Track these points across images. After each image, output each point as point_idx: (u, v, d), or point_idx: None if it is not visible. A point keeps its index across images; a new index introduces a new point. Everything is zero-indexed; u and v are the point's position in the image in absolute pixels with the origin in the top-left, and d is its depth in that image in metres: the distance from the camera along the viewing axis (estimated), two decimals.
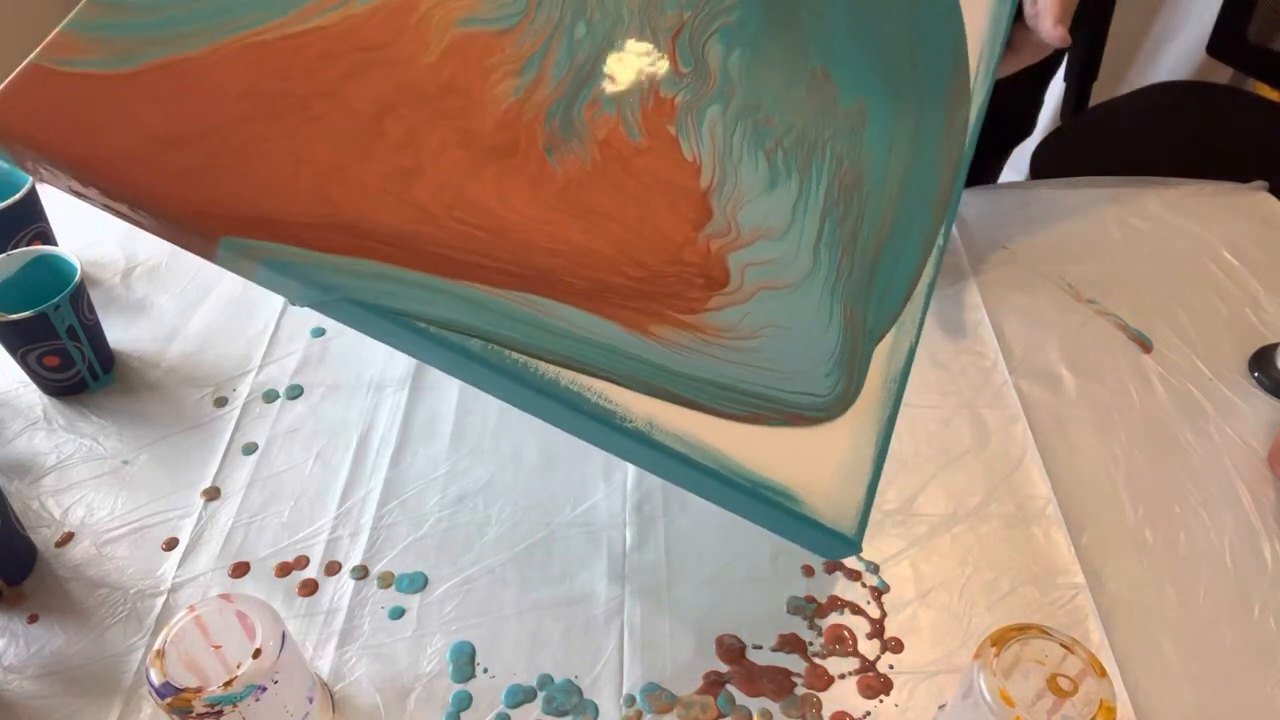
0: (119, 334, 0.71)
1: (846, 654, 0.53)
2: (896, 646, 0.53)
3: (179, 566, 0.57)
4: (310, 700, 0.47)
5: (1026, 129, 1.13)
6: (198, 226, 0.41)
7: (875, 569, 0.57)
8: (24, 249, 0.65)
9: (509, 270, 0.44)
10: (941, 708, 0.50)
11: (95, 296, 0.70)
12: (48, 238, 0.74)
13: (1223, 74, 1.41)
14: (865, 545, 0.57)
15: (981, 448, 0.63)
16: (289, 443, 0.64)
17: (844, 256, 0.49)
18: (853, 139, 0.52)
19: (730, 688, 0.51)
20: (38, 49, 0.41)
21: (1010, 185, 0.89)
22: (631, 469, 0.62)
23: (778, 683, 0.52)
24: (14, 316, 0.61)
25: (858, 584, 0.56)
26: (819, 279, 0.48)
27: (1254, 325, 0.71)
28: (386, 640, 0.53)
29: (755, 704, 0.51)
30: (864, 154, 0.52)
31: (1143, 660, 0.52)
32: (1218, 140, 1.15)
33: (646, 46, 0.50)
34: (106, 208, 0.41)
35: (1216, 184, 0.84)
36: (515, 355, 0.43)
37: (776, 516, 0.45)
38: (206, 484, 0.61)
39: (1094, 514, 0.59)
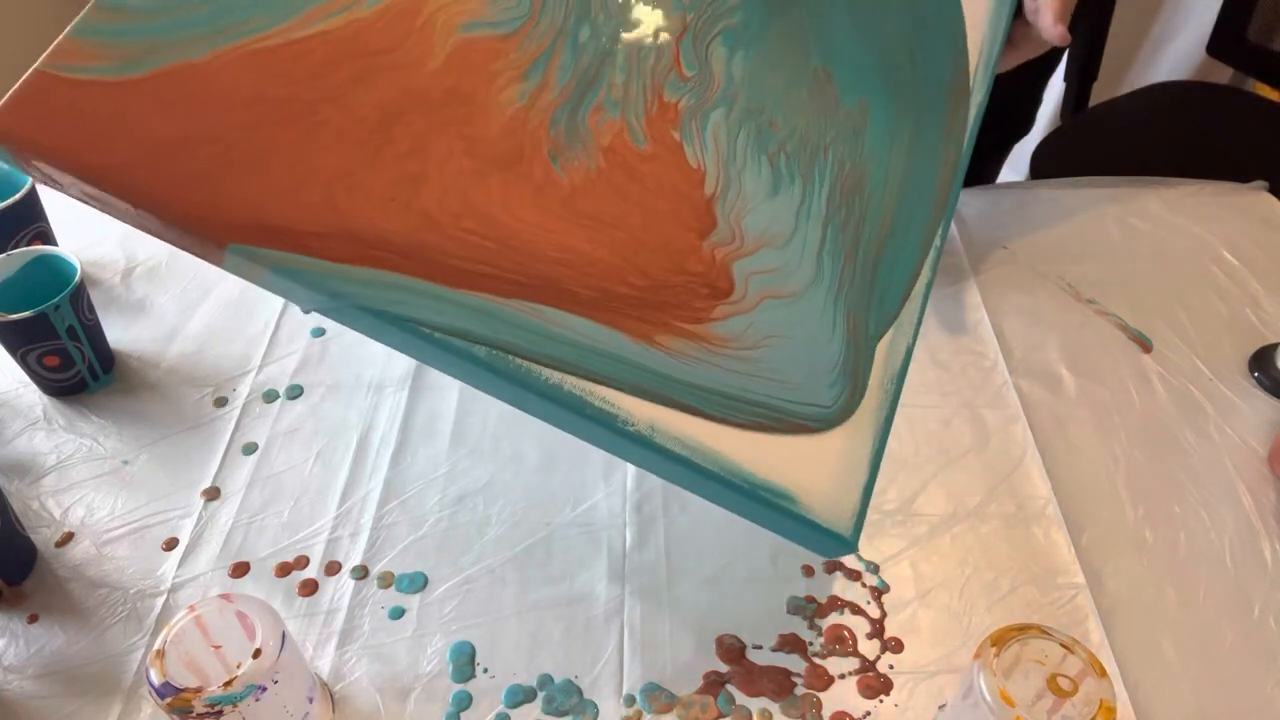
0: (119, 334, 0.71)
1: (846, 654, 0.53)
2: (896, 646, 0.53)
3: (179, 566, 0.57)
4: (310, 700, 0.47)
5: (1025, 126, 1.13)
6: (205, 234, 0.41)
7: (875, 569, 0.57)
8: (24, 249, 0.65)
9: (515, 279, 0.44)
10: (941, 708, 0.50)
11: (95, 296, 0.70)
12: (48, 238, 0.74)
13: (1223, 74, 1.41)
14: (865, 545, 0.57)
15: (981, 448, 0.63)
16: (289, 443, 0.64)
17: (846, 263, 0.49)
18: (854, 140, 0.52)
19: (730, 688, 0.51)
20: (43, 55, 0.41)
21: (1010, 185, 0.89)
22: (631, 469, 0.62)
23: (778, 683, 0.52)
24: (14, 316, 0.61)
25: (858, 584, 0.56)
26: (822, 287, 0.48)
27: (1254, 325, 0.71)
28: (386, 640, 0.53)
29: (755, 704, 0.51)
30: (865, 155, 0.52)
31: (1143, 660, 0.52)
32: (1218, 140, 1.15)
33: (650, 49, 0.50)
34: (114, 213, 0.41)
35: (1216, 184, 0.84)
36: (519, 361, 0.43)
37: (774, 517, 0.46)
38: (206, 484, 0.61)
39: (1094, 514, 0.59)
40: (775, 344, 0.47)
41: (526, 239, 0.44)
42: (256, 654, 0.42)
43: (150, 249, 0.78)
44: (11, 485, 0.61)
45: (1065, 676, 0.42)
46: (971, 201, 0.82)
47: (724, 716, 0.50)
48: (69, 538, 0.59)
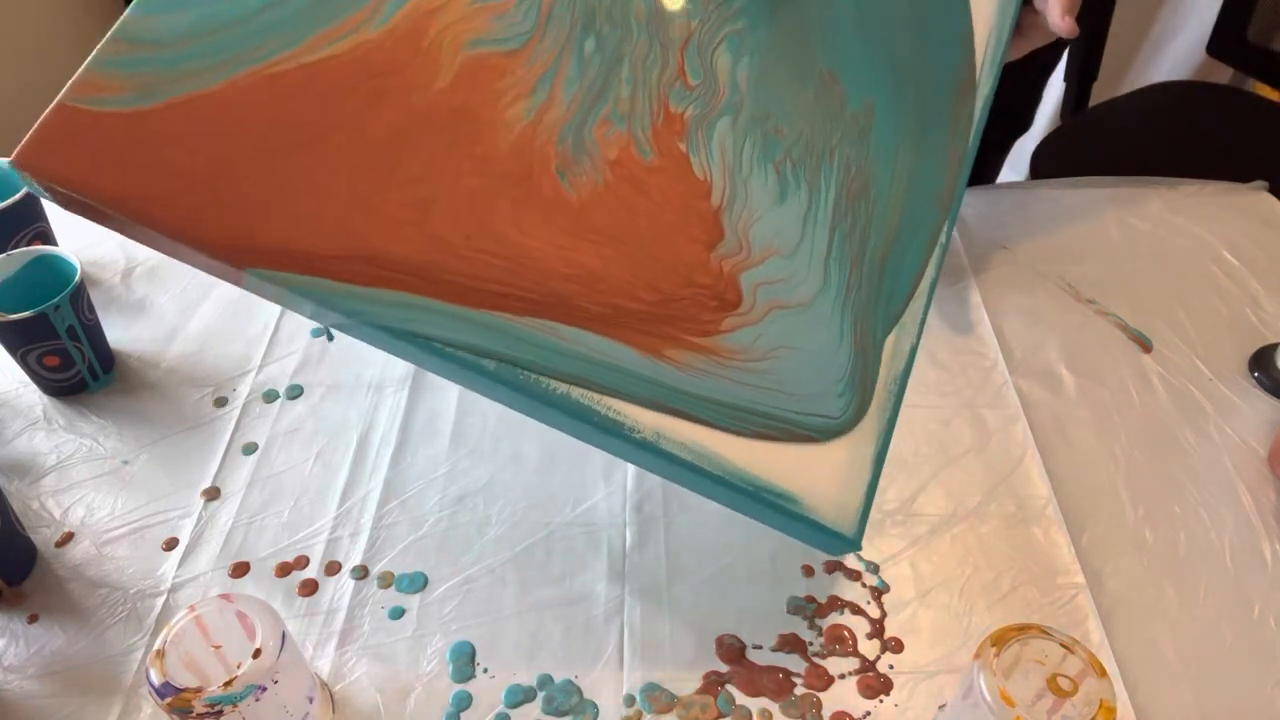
0: (119, 334, 0.71)
1: (846, 654, 0.53)
2: (896, 646, 0.53)
3: (179, 566, 0.57)
4: (310, 700, 0.47)
5: (1024, 125, 1.13)
6: (225, 259, 0.42)
7: (875, 569, 0.57)
8: (24, 249, 0.65)
9: (527, 297, 0.44)
10: (941, 708, 0.50)
11: (95, 296, 0.70)
12: (48, 238, 0.74)
13: (1223, 74, 1.41)
14: (865, 545, 0.58)
15: (981, 448, 0.63)
16: (289, 443, 0.64)
17: (853, 270, 0.49)
18: (860, 143, 0.52)
19: (730, 688, 0.51)
20: (65, 89, 0.42)
21: (1010, 185, 0.89)
22: (632, 469, 0.62)
23: (778, 683, 0.52)
24: (14, 316, 0.61)
25: (858, 584, 0.56)
26: (830, 296, 0.49)
27: (1254, 325, 0.71)
28: (386, 640, 0.53)
29: (755, 704, 0.51)
30: (871, 158, 0.52)
31: (1143, 660, 0.52)
32: (1218, 140, 1.15)
33: (655, 59, 0.50)
34: (135, 238, 0.43)
35: (1216, 184, 0.84)
36: (528, 374, 0.44)
37: (778, 517, 0.46)
38: (206, 484, 0.61)
39: (1094, 514, 0.59)
40: (784, 355, 0.47)
41: (537, 256, 0.45)
42: (256, 654, 0.42)
43: (151, 249, 0.78)
44: (11, 485, 0.61)
45: (1065, 676, 0.42)
46: (971, 201, 0.82)
47: (724, 716, 0.50)
48: (69, 538, 0.59)
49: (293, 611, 0.55)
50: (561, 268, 0.45)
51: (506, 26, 0.48)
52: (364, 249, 0.43)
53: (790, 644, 0.53)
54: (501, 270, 0.44)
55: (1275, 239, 0.78)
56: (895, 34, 0.55)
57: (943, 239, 0.52)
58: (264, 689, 0.42)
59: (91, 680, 0.52)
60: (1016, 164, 1.29)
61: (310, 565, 0.57)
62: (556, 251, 0.45)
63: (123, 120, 0.42)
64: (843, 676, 0.52)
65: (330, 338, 0.71)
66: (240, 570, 0.57)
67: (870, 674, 0.52)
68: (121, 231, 0.43)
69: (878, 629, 0.54)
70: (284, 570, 0.57)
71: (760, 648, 0.53)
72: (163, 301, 0.74)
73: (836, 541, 0.46)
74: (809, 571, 0.56)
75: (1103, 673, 0.42)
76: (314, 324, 0.72)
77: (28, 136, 0.41)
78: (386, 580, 0.56)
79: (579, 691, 0.51)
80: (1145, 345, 0.70)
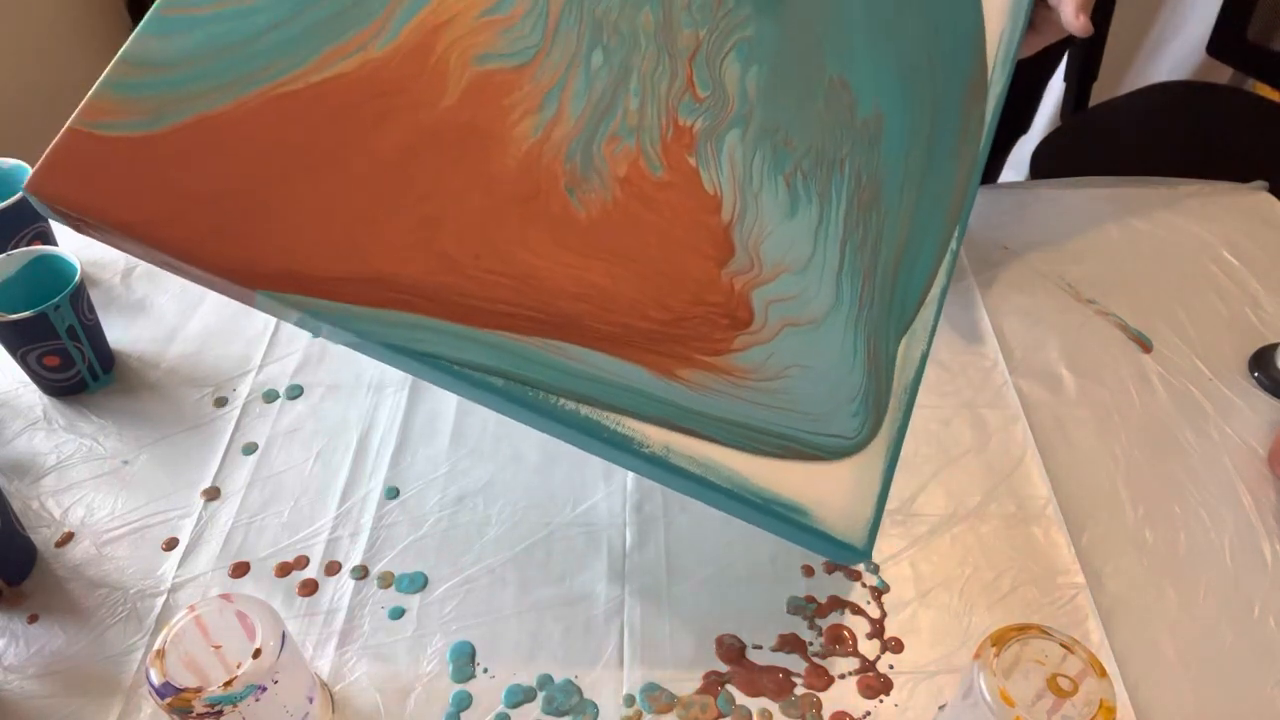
0: (119, 334, 0.71)
1: (846, 654, 0.53)
2: (896, 646, 0.53)
3: (179, 566, 0.57)
4: (310, 700, 0.47)
5: (1024, 125, 1.13)
6: (235, 281, 0.42)
7: (875, 569, 0.57)
8: (24, 249, 0.65)
9: (536, 317, 0.44)
10: (941, 708, 0.50)
11: (95, 296, 0.70)
12: (48, 238, 0.74)
13: (1223, 74, 1.41)
14: None
15: (981, 448, 0.63)
16: (289, 443, 0.64)
17: (865, 283, 0.49)
18: (870, 151, 0.51)
19: (730, 688, 0.51)
20: (75, 113, 0.42)
21: (1010, 185, 0.89)
22: None
23: (778, 683, 0.52)
24: (14, 316, 0.61)
25: (858, 584, 0.56)
26: (842, 312, 0.48)
27: (1254, 325, 0.71)
28: (386, 640, 0.53)
29: (755, 704, 0.51)
30: (881, 166, 0.51)
31: (1143, 660, 0.52)
32: (1218, 140, 1.15)
33: (664, 71, 0.49)
34: (147, 260, 0.43)
35: (1216, 184, 0.84)
36: (537, 391, 0.44)
37: (787, 528, 0.46)
38: (206, 484, 0.61)
39: (1094, 514, 0.59)
40: (797, 374, 0.47)
41: (546, 276, 0.45)
42: (256, 654, 0.42)
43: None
44: (11, 485, 0.61)
45: (1065, 676, 0.42)
46: None
47: (724, 716, 0.50)
48: (69, 538, 0.59)
49: (293, 611, 0.55)
50: (570, 287, 0.45)
51: (514, 40, 0.48)
52: (372, 271, 0.43)
53: (790, 644, 0.53)
54: (510, 290, 0.44)
55: (1275, 239, 0.78)
56: (905, 36, 0.54)
57: (953, 245, 0.51)
58: (264, 689, 0.42)
59: (91, 680, 0.52)
60: (1016, 164, 1.30)
61: (310, 565, 0.57)
62: (565, 270, 0.45)
63: (131, 145, 0.42)
64: (843, 676, 0.52)
65: None
66: (240, 570, 0.57)
67: (870, 674, 0.52)
68: (132, 253, 0.43)
69: (878, 629, 0.54)
70: (284, 570, 0.57)
71: (760, 648, 0.53)
72: (163, 301, 0.74)
73: (846, 552, 0.46)
74: (809, 571, 0.56)
75: (1103, 673, 0.42)
76: None
77: (39, 163, 0.42)
78: (386, 580, 0.56)
79: (579, 691, 0.51)
80: (1145, 345, 0.70)
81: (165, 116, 0.43)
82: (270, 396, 0.67)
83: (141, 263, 0.77)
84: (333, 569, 0.57)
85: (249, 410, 0.66)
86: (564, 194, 0.46)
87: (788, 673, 0.52)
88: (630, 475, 0.62)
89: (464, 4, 0.48)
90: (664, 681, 0.52)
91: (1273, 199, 0.82)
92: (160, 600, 0.55)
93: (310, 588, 0.56)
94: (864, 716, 0.50)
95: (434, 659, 0.52)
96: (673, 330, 0.46)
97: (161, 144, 0.42)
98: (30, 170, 0.72)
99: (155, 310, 0.74)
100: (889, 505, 0.60)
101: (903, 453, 0.62)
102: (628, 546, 0.58)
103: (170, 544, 0.58)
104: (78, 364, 0.65)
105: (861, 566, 0.57)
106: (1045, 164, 1.15)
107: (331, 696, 0.51)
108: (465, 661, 0.52)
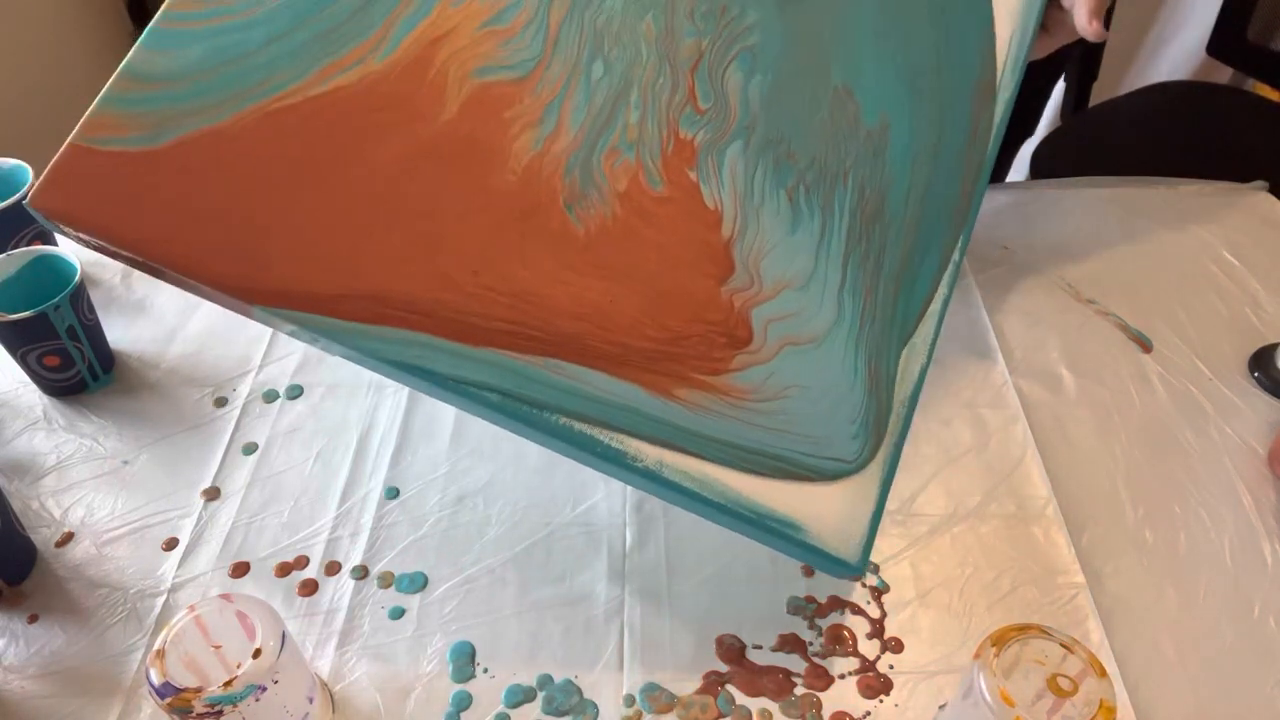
0: (119, 334, 0.71)
1: (846, 654, 0.53)
2: (896, 646, 0.53)
3: (179, 566, 0.57)
4: (310, 700, 0.47)
5: (1032, 126, 1.13)
6: (234, 295, 0.42)
7: (875, 569, 0.57)
8: (24, 249, 0.65)
9: (533, 335, 0.44)
10: (941, 708, 0.50)
11: (95, 296, 0.70)
12: (48, 238, 0.74)
13: (1223, 74, 1.41)
14: None
15: (981, 448, 0.63)
16: (289, 443, 0.64)
17: (867, 300, 0.48)
18: (875, 161, 0.50)
19: (730, 688, 0.51)
20: (76, 129, 0.42)
21: (1010, 185, 0.89)
22: None
23: (778, 683, 0.51)
24: (14, 316, 0.61)
25: (858, 584, 0.56)
26: (843, 330, 0.48)
27: (1254, 325, 0.71)
28: (386, 640, 0.53)
29: (755, 704, 0.51)
30: (886, 177, 0.50)
31: (1143, 660, 0.52)
32: (1218, 140, 1.14)
33: (665, 83, 0.49)
34: (149, 273, 0.43)
35: (1216, 184, 0.83)
36: (531, 408, 0.44)
37: (780, 543, 0.46)
38: (206, 484, 0.61)
39: (1094, 514, 0.59)
40: (796, 395, 0.46)
41: (544, 294, 0.45)
42: (256, 654, 0.42)
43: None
44: (11, 485, 0.61)
45: (1065, 676, 0.42)
46: None
47: (724, 716, 0.50)
48: (69, 538, 0.59)
49: (293, 611, 0.55)
50: (568, 305, 0.45)
51: (514, 52, 0.47)
52: (369, 288, 0.43)
53: (790, 644, 0.53)
54: (507, 308, 0.44)
55: (1275, 239, 0.78)
56: (915, 40, 0.53)
57: (956, 256, 0.51)
58: (264, 689, 0.42)
59: (91, 680, 0.52)
60: (1017, 164, 1.29)
61: (310, 565, 0.57)
62: (564, 289, 0.45)
63: (132, 161, 0.42)
64: (843, 676, 0.52)
65: None
66: (240, 570, 0.57)
67: (870, 674, 0.52)
68: (133, 265, 0.43)
69: (878, 629, 0.54)
70: (284, 570, 0.57)
71: (760, 648, 0.53)
72: (163, 301, 0.74)
73: (839, 568, 0.46)
74: (809, 572, 0.56)
75: (1103, 673, 0.42)
76: None
77: (41, 178, 0.42)
78: (386, 580, 0.56)
79: (579, 691, 0.51)
80: (1145, 345, 0.70)
81: (165, 132, 0.43)
82: (270, 396, 0.67)
83: None
84: (333, 569, 0.57)
85: (249, 410, 0.66)
86: (563, 210, 0.46)
87: (788, 673, 0.52)
88: None
89: (464, 15, 0.47)
90: (664, 682, 0.52)
91: (1273, 199, 0.82)
92: (160, 600, 0.55)
93: (310, 588, 0.56)
94: (864, 716, 0.50)
95: (434, 659, 0.52)
96: (671, 349, 0.45)
97: (162, 160, 0.42)
98: (30, 171, 0.72)
99: (155, 310, 0.74)
100: (889, 505, 0.60)
101: (903, 453, 0.62)
102: (628, 546, 0.58)
103: (170, 544, 0.58)
104: (78, 364, 0.65)
105: None
106: (1045, 164, 1.15)
107: (331, 696, 0.51)
108: (465, 661, 0.52)
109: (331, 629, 0.54)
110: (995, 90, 0.54)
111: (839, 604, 0.55)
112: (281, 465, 0.63)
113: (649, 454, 0.44)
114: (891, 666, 0.52)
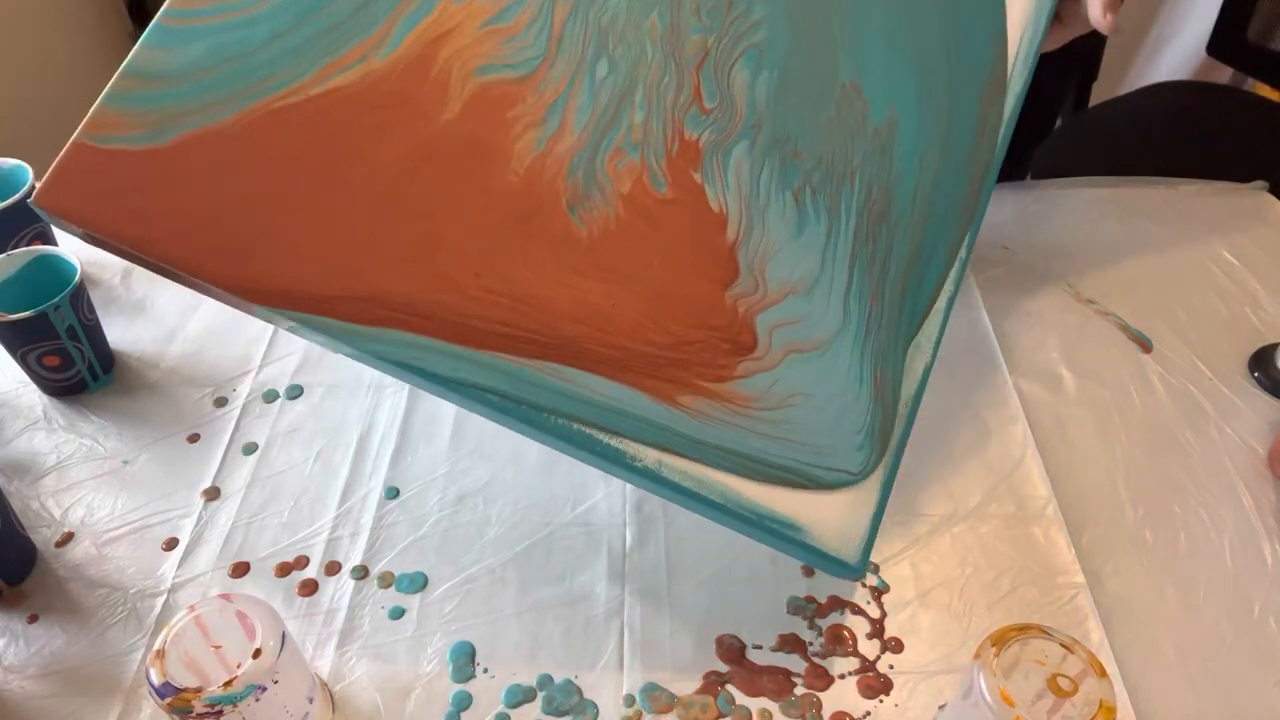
0: (119, 334, 0.71)
1: (846, 654, 0.53)
2: (896, 646, 0.53)
3: (179, 566, 0.57)
4: (310, 700, 0.47)
5: (1051, 123, 1.12)
6: (235, 294, 0.43)
7: (875, 569, 0.57)
8: (24, 249, 0.65)
9: (535, 339, 0.44)
10: (941, 708, 0.50)
11: (95, 296, 0.70)
12: (48, 238, 0.74)
13: (1223, 74, 1.41)
14: None
15: (981, 448, 0.63)
16: (289, 443, 0.64)
17: (873, 304, 0.48)
18: (882, 159, 0.50)
19: (730, 688, 0.51)
20: (80, 127, 0.42)
21: (1010, 185, 0.88)
22: None
23: (778, 683, 0.51)
24: (14, 316, 0.61)
25: (858, 584, 0.56)
26: (849, 336, 0.47)
27: (1254, 325, 0.71)
28: (386, 640, 0.53)
29: (755, 704, 0.51)
30: (894, 175, 0.50)
31: (1143, 660, 0.52)
32: (1218, 140, 1.14)
33: (670, 82, 0.48)
34: (152, 271, 0.44)
35: (1216, 184, 0.83)
36: (531, 410, 0.44)
37: (780, 543, 0.46)
38: (206, 484, 0.62)
39: (1094, 514, 0.59)
40: (800, 403, 0.46)
41: (546, 297, 0.44)
42: (256, 654, 0.42)
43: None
44: (11, 485, 0.61)
45: (1065, 676, 0.42)
46: None
47: (724, 716, 0.50)
48: (69, 538, 0.59)
49: (293, 611, 0.55)
50: (570, 309, 0.45)
51: (517, 50, 0.47)
52: (369, 289, 0.43)
53: (790, 644, 0.53)
54: (508, 311, 0.44)
55: (1275, 239, 0.78)
56: (924, 34, 0.52)
57: (963, 254, 0.50)
58: (264, 689, 0.42)
59: (91, 680, 0.52)
60: None
61: (310, 565, 0.57)
62: (565, 292, 0.45)
63: (136, 159, 0.42)
64: (843, 676, 0.52)
65: None
66: (240, 570, 0.57)
67: (870, 674, 0.52)
68: (137, 263, 0.43)
69: (878, 629, 0.54)
70: (284, 570, 0.57)
71: (760, 648, 0.53)
72: (163, 301, 0.74)
73: (840, 569, 0.46)
74: (809, 572, 0.56)
75: (1103, 673, 0.42)
76: None
77: (45, 177, 0.42)
78: (386, 580, 0.56)
79: (579, 691, 0.51)
80: (1145, 345, 0.70)
81: (168, 130, 0.43)
82: (270, 396, 0.67)
83: None
84: (333, 569, 0.57)
85: (249, 410, 0.66)
86: (565, 212, 0.45)
87: (788, 673, 0.52)
88: None
89: (467, 12, 0.47)
90: (664, 681, 0.52)
91: (1273, 199, 0.82)
92: (160, 600, 0.55)
93: (310, 588, 0.56)
94: (864, 716, 0.50)
95: (434, 659, 0.52)
96: (674, 355, 0.45)
97: (165, 158, 0.42)
98: (30, 171, 0.72)
99: (155, 310, 0.74)
100: (889, 506, 0.60)
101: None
102: (628, 546, 0.58)
103: (170, 544, 0.58)
104: (78, 364, 0.65)
105: None
106: (1045, 164, 1.15)
107: (331, 696, 0.51)
108: (465, 661, 0.52)
109: (331, 629, 0.54)
110: (1006, 84, 0.53)
111: (839, 604, 0.55)
112: (281, 465, 0.63)
113: (648, 453, 0.44)
114: (891, 666, 0.52)
